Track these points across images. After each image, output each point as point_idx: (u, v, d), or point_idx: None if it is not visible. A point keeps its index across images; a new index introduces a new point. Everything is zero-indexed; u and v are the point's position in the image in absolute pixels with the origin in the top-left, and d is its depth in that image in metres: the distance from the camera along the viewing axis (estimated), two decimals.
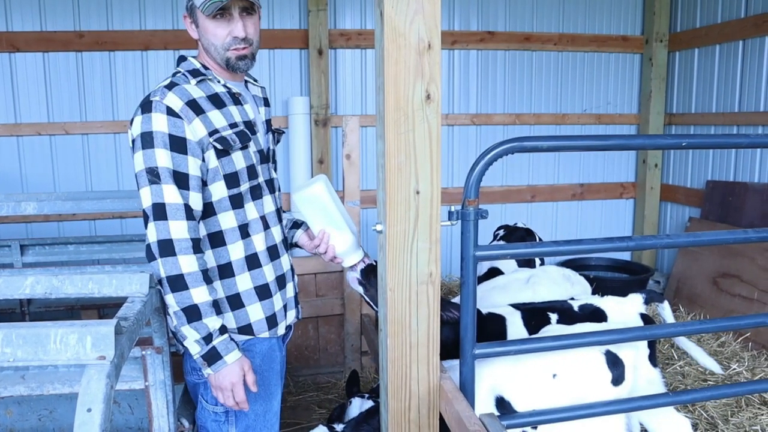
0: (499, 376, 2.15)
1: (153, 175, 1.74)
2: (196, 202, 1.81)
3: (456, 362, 2.04)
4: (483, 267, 3.46)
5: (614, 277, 5.58)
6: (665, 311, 2.70)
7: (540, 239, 3.94)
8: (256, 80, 2.13)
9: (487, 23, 5.54)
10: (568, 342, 2.01)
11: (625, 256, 5.95)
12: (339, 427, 2.43)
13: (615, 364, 2.19)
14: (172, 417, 1.97)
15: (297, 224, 2.29)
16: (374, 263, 2.32)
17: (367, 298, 2.35)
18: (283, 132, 2.26)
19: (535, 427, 2.17)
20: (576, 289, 3.01)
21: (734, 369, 3.97)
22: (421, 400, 1.90)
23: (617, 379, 2.19)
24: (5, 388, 1.89)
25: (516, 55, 5.65)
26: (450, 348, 2.23)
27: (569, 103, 5.82)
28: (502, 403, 2.13)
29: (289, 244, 2.26)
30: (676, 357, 4.16)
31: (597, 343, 2.07)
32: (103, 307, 4.11)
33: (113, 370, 1.26)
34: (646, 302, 2.65)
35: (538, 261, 3.75)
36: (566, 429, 2.18)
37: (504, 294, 2.97)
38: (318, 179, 2.11)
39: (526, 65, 5.69)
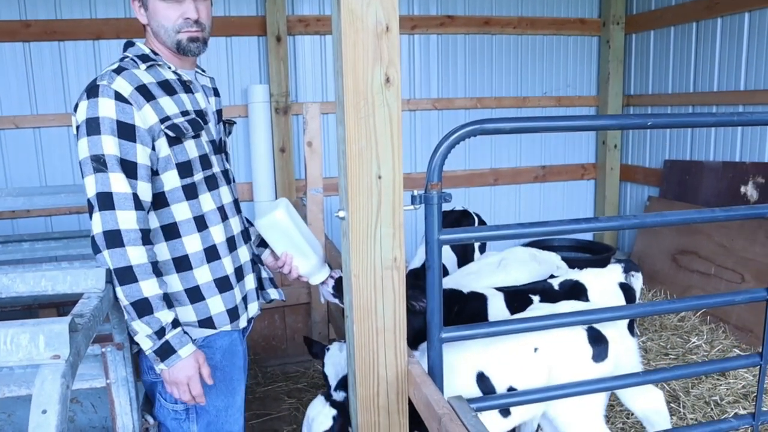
0: (480, 352, 2.17)
1: (99, 163, 1.67)
2: (145, 193, 1.74)
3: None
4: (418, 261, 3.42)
5: (577, 257, 5.66)
6: (637, 282, 2.75)
7: (481, 221, 3.90)
8: (204, 71, 2.07)
9: (446, 7, 5.53)
10: (536, 324, 2.02)
11: (588, 236, 6.05)
12: (338, 395, 2.35)
13: (597, 340, 2.21)
14: (136, 414, 1.92)
15: (265, 242, 2.26)
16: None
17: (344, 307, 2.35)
18: (234, 123, 2.22)
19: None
20: (543, 268, 3.05)
21: (694, 342, 4.09)
22: (389, 386, 1.90)
23: (598, 355, 2.20)
24: None
25: (476, 39, 5.65)
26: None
27: (530, 86, 5.86)
28: (482, 379, 2.15)
29: (256, 256, 2.23)
30: (638, 332, 4.26)
31: (563, 325, 2.08)
32: (63, 305, 3.99)
33: (69, 370, 1.21)
34: (626, 271, 2.69)
35: (477, 247, 3.71)
36: (544, 406, 2.22)
37: (477, 279, 2.99)
38: (279, 205, 2.11)
39: (486, 49, 5.70)
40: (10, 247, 3.85)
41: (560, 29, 5.81)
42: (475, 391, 2.14)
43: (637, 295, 2.80)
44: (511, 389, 2.17)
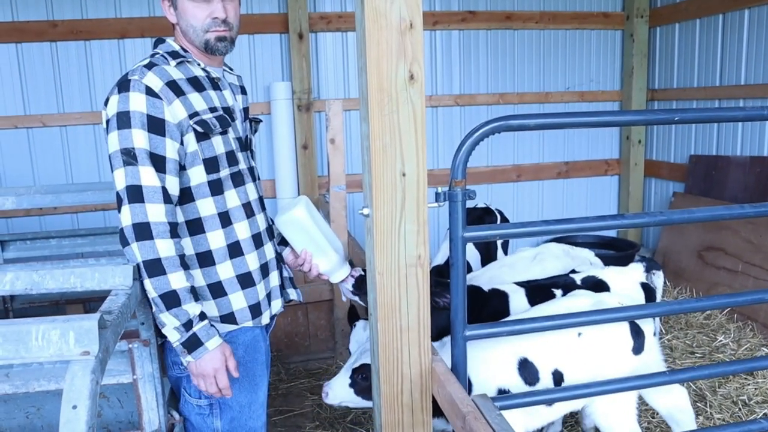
0: (523, 337, 2.18)
1: (129, 156, 1.69)
2: (173, 187, 1.76)
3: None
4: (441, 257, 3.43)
5: (601, 253, 5.58)
6: (658, 280, 2.74)
7: (503, 218, 3.89)
8: (231, 69, 2.09)
9: (468, 3, 5.49)
10: (559, 322, 2.01)
11: (611, 232, 5.98)
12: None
13: (638, 334, 2.28)
14: (162, 410, 1.95)
15: (285, 240, 2.27)
16: (363, 273, 2.33)
17: (365, 305, 2.36)
18: (260, 121, 2.24)
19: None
20: (576, 263, 3.05)
21: (721, 341, 4.02)
22: (413, 384, 1.89)
23: (638, 349, 2.27)
24: None
25: (498, 34, 5.61)
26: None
27: (552, 81, 5.80)
28: (525, 365, 2.18)
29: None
30: (663, 331, 4.20)
31: (591, 323, 2.06)
32: (89, 301, 4.06)
33: (98, 366, 1.23)
34: (647, 270, 2.68)
35: (500, 245, 3.73)
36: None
37: (512, 272, 2.98)
38: (298, 202, 2.12)
39: (508, 44, 5.66)
40: (38, 243, 3.91)
41: (583, 23, 5.73)
42: (517, 380, 2.17)
43: (659, 293, 2.77)
44: (556, 372, 2.19)
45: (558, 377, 2.21)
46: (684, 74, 5.40)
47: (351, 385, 2.38)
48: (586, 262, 3.09)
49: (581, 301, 2.33)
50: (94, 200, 3.11)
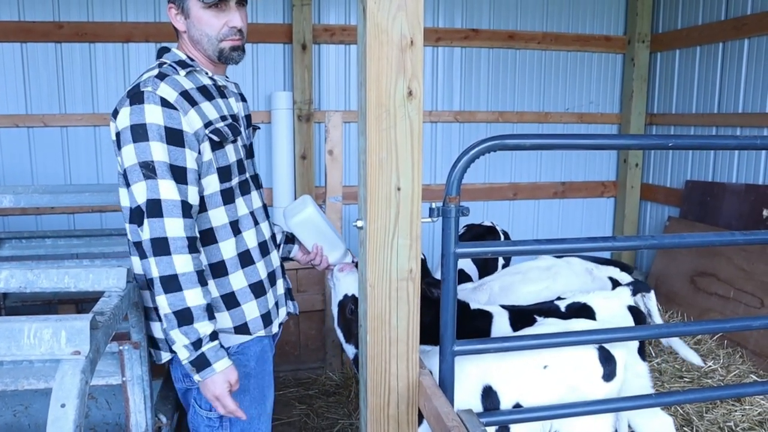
0: (489, 365, 2.16)
1: (148, 170, 1.66)
2: (194, 197, 1.74)
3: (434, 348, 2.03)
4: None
5: None
6: (650, 302, 2.72)
7: (506, 237, 3.89)
8: (227, 77, 2.06)
9: (471, 21, 5.55)
10: (550, 341, 2.03)
11: (605, 254, 6.00)
12: None
13: (607, 360, 2.21)
14: (149, 413, 1.96)
15: (290, 238, 2.30)
16: None
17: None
18: (258, 128, 2.25)
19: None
20: (596, 285, 2.99)
21: (710, 366, 4.03)
22: (400, 396, 1.90)
23: (609, 375, 2.20)
24: None
25: (500, 53, 5.67)
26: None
27: (552, 101, 5.85)
28: (488, 393, 2.14)
29: (283, 257, 2.28)
30: (653, 354, 4.22)
31: (578, 343, 2.08)
32: (81, 302, 4.05)
33: (88, 365, 1.24)
34: (634, 293, 2.67)
35: (501, 262, 3.72)
36: (555, 423, 2.21)
37: (523, 281, 2.97)
38: (306, 202, 2.22)
39: (509, 63, 5.71)
40: (34, 243, 3.91)
41: (585, 46, 5.80)
42: (477, 406, 2.13)
43: (654, 313, 2.76)
44: (517, 407, 2.16)
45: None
46: (683, 100, 5.46)
47: (343, 297, 2.34)
48: (607, 284, 3.03)
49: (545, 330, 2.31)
50: (92, 202, 3.11)
